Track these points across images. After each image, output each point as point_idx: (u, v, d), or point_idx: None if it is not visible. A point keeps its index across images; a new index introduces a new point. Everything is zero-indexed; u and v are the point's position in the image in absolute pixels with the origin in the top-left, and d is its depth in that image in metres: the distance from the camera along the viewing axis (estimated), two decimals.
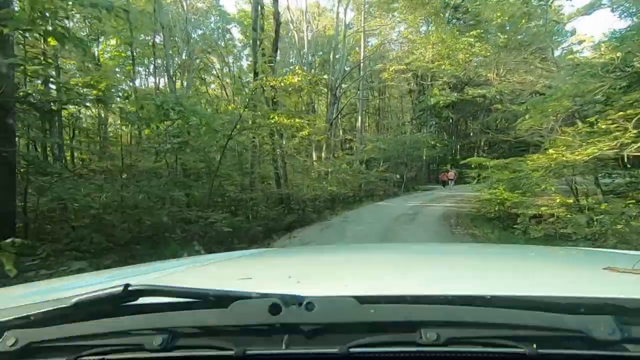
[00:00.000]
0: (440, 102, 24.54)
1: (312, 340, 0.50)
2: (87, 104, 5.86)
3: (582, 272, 0.96)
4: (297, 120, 9.60)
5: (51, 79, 5.51)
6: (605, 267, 0.83)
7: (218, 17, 16.82)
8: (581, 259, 1.27)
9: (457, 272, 0.99)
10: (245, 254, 1.59)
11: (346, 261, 1.31)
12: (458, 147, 30.26)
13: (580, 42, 33.68)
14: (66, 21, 4.48)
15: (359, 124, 21.49)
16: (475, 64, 27.46)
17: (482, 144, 29.52)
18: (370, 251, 1.64)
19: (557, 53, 31.27)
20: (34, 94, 4.44)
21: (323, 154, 16.11)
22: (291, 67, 18.81)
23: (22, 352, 0.50)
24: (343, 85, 18.60)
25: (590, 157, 5.61)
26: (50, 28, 3.62)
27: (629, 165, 6.25)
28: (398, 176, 19.32)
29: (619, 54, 5.49)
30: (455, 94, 25.38)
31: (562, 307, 0.51)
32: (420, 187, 21.54)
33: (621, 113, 5.35)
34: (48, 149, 6.90)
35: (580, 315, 0.49)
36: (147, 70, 12.14)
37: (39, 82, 5.52)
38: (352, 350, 0.49)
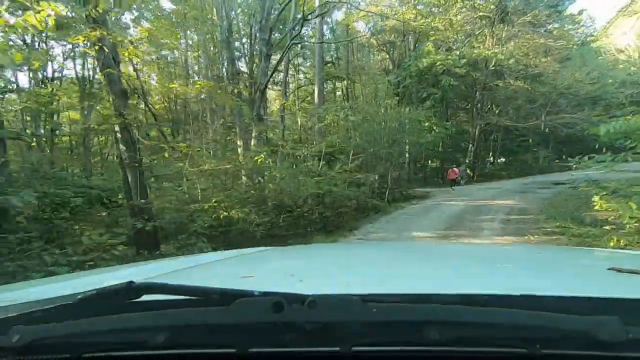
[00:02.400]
0: (438, 64, 15.93)
1: (315, 338, 0.51)
2: None
3: (587, 273, 0.98)
4: None
5: None
6: (610, 268, 0.84)
7: None
8: (586, 259, 1.28)
9: (461, 271, 1.01)
10: (248, 252, 1.60)
11: (349, 260, 1.32)
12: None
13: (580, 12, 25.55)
14: None
15: (316, 92, 12.91)
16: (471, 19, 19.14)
17: (477, 133, 25.25)
18: (374, 250, 1.71)
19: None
20: None
21: (253, 143, 10.22)
22: None
23: (27, 348, 0.52)
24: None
25: None
26: None
27: None
28: (377, 177, 13.24)
29: None
30: (458, 53, 16.92)
31: (567, 308, 0.52)
32: (412, 193, 15.60)
33: None
34: None
35: (584, 316, 0.50)
36: None
37: None
38: (355, 349, 0.50)
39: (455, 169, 18.93)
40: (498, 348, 0.50)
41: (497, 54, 16.98)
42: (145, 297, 0.56)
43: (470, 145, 23.72)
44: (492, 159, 26.50)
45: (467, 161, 23.98)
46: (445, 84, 17.39)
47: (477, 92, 22.41)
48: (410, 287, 0.73)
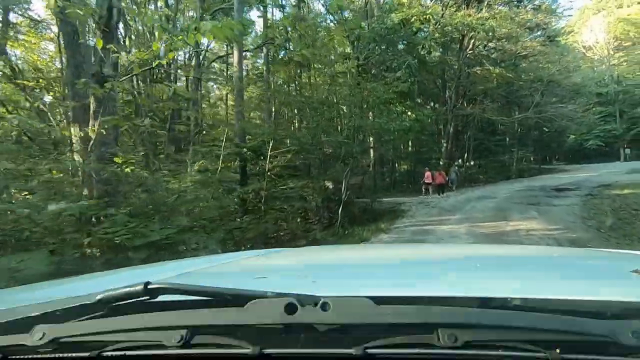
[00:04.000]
0: (412, 20, 10.51)
1: (328, 340, 0.53)
2: None
3: (608, 275, 0.98)
4: None
5: None
6: (634, 270, 0.84)
7: None
8: (608, 262, 1.29)
9: (476, 273, 1.02)
10: (261, 253, 1.65)
11: (362, 261, 1.36)
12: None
13: None
14: None
15: (235, 56, 6.69)
16: None
17: (452, 130, 21.17)
18: (387, 251, 1.75)
19: None
20: None
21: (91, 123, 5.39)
22: None
23: (49, 346, 0.56)
24: None
25: None
26: None
27: None
28: (330, 186, 9.15)
29: None
30: (441, 8, 11.83)
31: (588, 311, 0.53)
32: (379, 207, 10.98)
33: None
34: None
35: (606, 320, 0.51)
36: None
37: None
38: (368, 351, 0.51)
39: (436, 172, 16.12)
40: (515, 352, 0.50)
41: (487, 21, 12.58)
42: (161, 298, 0.60)
43: (445, 144, 19.43)
44: (466, 160, 22.51)
45: (440, 162, 19.75)
46: (422, 51, 12.69)
47: (449, 84, 18.22)
48: (424, 289, 0.74)
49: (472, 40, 18.79)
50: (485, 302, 0.57)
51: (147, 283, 0.57)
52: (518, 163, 25.86)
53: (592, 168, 25.77)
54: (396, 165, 23.37)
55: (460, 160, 24.02)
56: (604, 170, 22.35)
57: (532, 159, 29.24)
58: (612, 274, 0.98)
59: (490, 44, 17.80)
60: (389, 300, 0.57)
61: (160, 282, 0.59)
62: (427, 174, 16.42)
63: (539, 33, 18.62)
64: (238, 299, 0.55)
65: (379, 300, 0.53)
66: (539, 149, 31.11)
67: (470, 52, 19.32)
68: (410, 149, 21.74)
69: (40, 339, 0.54)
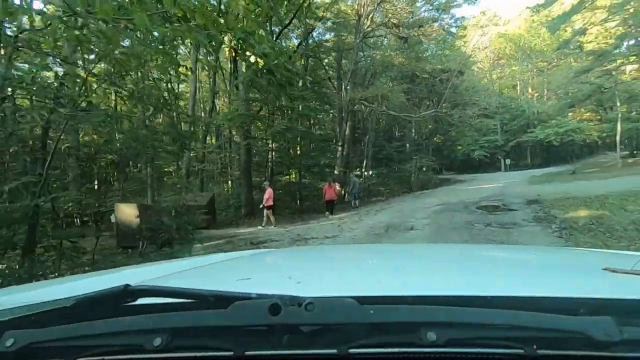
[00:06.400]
0: None
1: (312, 340, 0.54)
2: None
3: (581, 273, 1.02)
4: None
5: None
6: (604, 268, 0.86)
7: None
8: (581, 260, 1.34)
9: (457, 272, 1.05)
10: (245, 254, 1.70)
11: (346, 262, 1.39)
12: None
13: None
14: None
15: None
16: None
17: (347, 131, 18.02)
18: (370, 252, 1.79)
19: None
20: None
21: None
22: None
23: (21, 352, 0.54)
24: None
25: None
26: None
27: None
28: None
29: None
30: None
31: (562, 308, 0.56)
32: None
33: None
34: None
35: (580, 316, 0.55)
36: None
37: None
38: (351, 351, 0.53)
39: (333, 184, 13.09)
40: (494, 349, 0.52)
41: None
42: (141, 301, 0.60)
43: (340, 148, 14.54)
44: (365, 169, 18.26)
45: (335, 172, 14.75)
46: None
47: (344, 75, 13.82)
48: (407, 289, 0.75)
49: (371, 16, 15.07)
50: (466, 301, 0.58)
51: (127, 285, 0.56)
52: (418, 173, 23.21)
53: (484, 178, 25.87)
54: (287, 174, 18.13)
55: (358, 170, 20.04)
56: (502, 180, 21.83)
57: (433, 168, 27.54)
58: (585, 271, 1.02)
59: (392, 21, 14.34)
60: (373, 300, 0.58)
61: (140, 285, 0.58)
62: (269, 190, 11.61)
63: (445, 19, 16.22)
64: (221, 301, 0.54)
65: (362, 300, 0.54)
66: (436, 158, 29.60)
67: (368, 29, 15.51)
68: (298, 150, 16.82)
69: (12, 345, 0.52)
